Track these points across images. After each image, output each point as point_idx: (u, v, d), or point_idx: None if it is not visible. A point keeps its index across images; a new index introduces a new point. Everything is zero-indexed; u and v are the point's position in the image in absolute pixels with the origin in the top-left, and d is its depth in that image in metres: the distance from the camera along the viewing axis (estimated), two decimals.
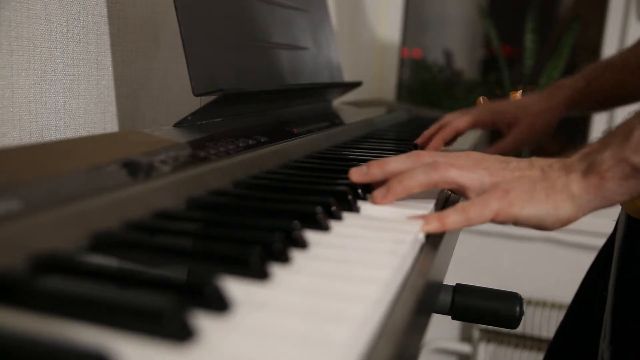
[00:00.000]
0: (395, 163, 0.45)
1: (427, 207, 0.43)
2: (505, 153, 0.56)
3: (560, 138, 1.85)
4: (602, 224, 1.46)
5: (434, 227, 0.39)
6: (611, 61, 0.72)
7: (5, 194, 0.27)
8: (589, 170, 0.42)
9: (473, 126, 0.72)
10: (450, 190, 0.45)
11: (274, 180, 0.46)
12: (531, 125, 0.70)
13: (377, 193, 0.43)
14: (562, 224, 0.43)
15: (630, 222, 0.63)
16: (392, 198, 0.43)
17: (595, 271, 0.71)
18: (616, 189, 0.42)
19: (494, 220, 0.42)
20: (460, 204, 0.41)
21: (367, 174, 0.44)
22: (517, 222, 0.42)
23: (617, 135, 0.43)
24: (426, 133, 0.71)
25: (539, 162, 0.45)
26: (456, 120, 0.70)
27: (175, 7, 0.54)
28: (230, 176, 0.44)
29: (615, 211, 0.68)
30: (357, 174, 0.45)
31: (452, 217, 0.40)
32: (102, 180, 0.33)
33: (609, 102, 0.74)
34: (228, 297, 0.23)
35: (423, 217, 0.40)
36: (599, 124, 1.63)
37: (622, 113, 0.52)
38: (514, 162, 0.45)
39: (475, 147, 0.82)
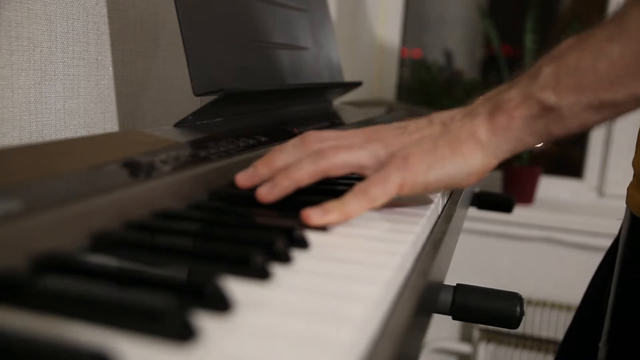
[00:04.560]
0: (281, 156, 0.41)
1: (422, 213, 0.43)
2: None
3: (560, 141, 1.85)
4: (602, 224, 1.47)
5: (334, 217, 0.35)
6: None
7: (5, 194, 0.27)
8: (495, 110, 0.39)
9: None
10: (349, 174, 0.41)
11: None
12: None
13: (262, 189, 0.39)
14: (478, 175, 0.40)
15: (634, 222, 0.63)
16: (279, 193, 0.38)
17: (603, 272, 0.71)
18: (526, 129, 0.39)
19: (402, 193, 0.38)
20: (359, 185, 0.38)
21: (255, 175, 0.40)
22: (428, 188, 0.39)
23: (525, 75, 0.40)
24: None
25: (439, 116, 0.42)
26: None
27: (176, 7, 0.54)
28: (230, 176, 0.44)
29: (619, 211, 0.68)
30: (243, 178, 0.40)
31: (352, 202, 0.36)
32: (102, 180, 0.33)
33: None
34: (229, 297, 0.23)
35: (321, 207, 0.35)
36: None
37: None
38: (411, 124, 0.42)
39: None
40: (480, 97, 0.42)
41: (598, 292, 0.69)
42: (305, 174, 0.39)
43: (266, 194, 0.38)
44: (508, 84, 0.40)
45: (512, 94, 0.39)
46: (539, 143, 0.40)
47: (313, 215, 0.35)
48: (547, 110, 0.38)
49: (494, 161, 0.40)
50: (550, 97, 0.37)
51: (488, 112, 0.39)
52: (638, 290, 0.60)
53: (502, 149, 0.39)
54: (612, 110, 0.38)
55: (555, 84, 0.37)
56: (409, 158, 0.38)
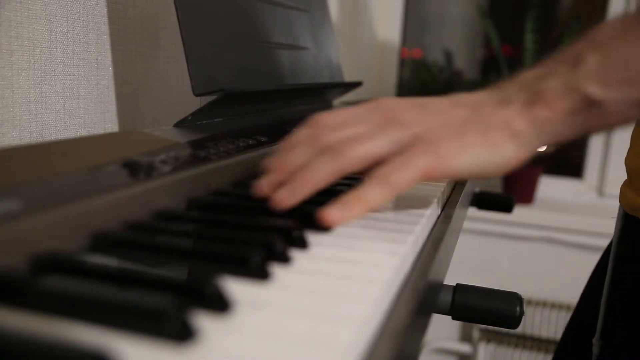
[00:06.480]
0: (294, 156, 0.38)
1: (421, 214, 0.43)
2: None
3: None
4: (602, 224, 1.47)
5: (356, 210, 0.33)
6: None
7: (5, 194, 0.27)
8: (534, 100, 0.36)
9: None
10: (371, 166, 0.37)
11: None
12: None
13: (281, 195, 0.36)
14: (506, 167, 0.37)
15: (626, 219, 0.63)
16: (300, 197, 0.36)
17: (599, 271, 0.71)
18: (566, 123, 0.36)
19: (428, 179, 0.35)
20: (379, 170, 0.35)
21: (275, 182, 0.38)
22: (454, 175, 0.36)
23: (563, 62, 0.36)
24: None
25: (464, 98, 0.39)
26: None
27: (176, 7, 0.54)
28: (230, 176, 0.44)
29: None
30: (266, 186, 0.38)
31: (372, 191, 0.34)
32: (102, 180, 0.33)
33: None
34: (228, 297, 0.23)
35: (340, 202, 0.33)
36: None
37: None
38: (431, 103, 0.39)
39: None
40: (510, 82, 0.39)
41: (595, 289, 0.69)
42: (322, 176, 0.36)
43: (285, 200, 0.36)
44: (543, 69, 0.37)
45: (552, 84, 0.35)
46: (576, 136, 0.37)
47: (332, 212, 0.33)
48: (591, 104, 0.35)
49: (527, 153, 0.37)
50: (596, 91, 0.34)
51: (525, 102, 0.36)
52: (630, 287, 0.60)
53: (537, 141, 0.36)
54: None
55: (603, 76, 0.34)
56: (437, 142, 0.35)
